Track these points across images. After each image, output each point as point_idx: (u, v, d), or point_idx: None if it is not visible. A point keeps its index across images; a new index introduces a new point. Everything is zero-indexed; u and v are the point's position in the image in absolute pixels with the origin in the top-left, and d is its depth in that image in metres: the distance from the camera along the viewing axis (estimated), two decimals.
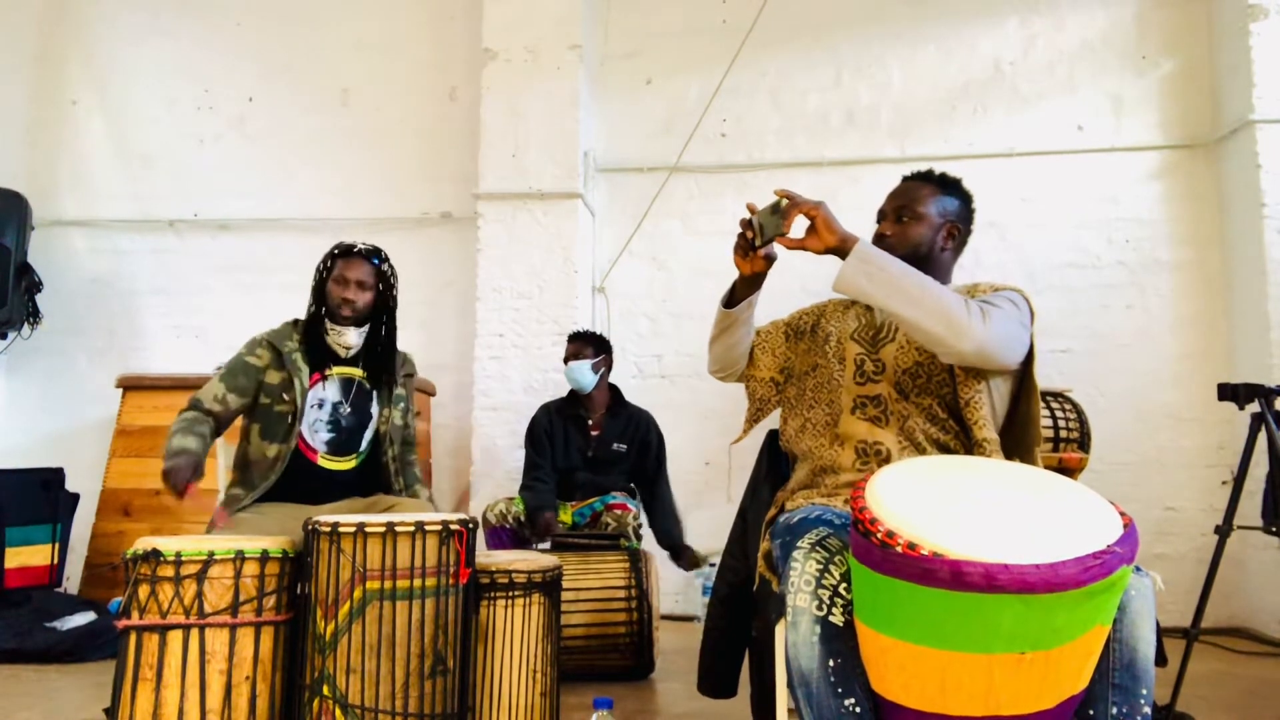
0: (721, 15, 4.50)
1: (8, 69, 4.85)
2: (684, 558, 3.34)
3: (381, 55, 4.72)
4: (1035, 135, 4.25)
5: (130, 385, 4.06)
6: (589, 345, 3.47)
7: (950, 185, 1.78)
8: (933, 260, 1.73)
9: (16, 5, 4.88)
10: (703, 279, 4.30)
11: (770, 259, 1.68)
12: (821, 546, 1.32)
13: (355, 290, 2.39)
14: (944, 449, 1.61)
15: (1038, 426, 1.61)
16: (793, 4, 4.39)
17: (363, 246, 2.46)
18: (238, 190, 4.69)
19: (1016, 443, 1.64)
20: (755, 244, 1.64)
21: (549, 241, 4.20)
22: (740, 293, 1.76)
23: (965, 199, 1.79)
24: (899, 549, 1.07)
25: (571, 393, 3.53)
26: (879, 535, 1.10)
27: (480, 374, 4.19)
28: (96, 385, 4.44)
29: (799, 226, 1.59)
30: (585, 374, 3.42)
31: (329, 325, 2.41)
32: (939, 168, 1.84)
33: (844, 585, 1.26)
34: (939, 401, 1.63)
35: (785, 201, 1.56)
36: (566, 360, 3.47)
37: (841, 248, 1.53)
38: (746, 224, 1.63)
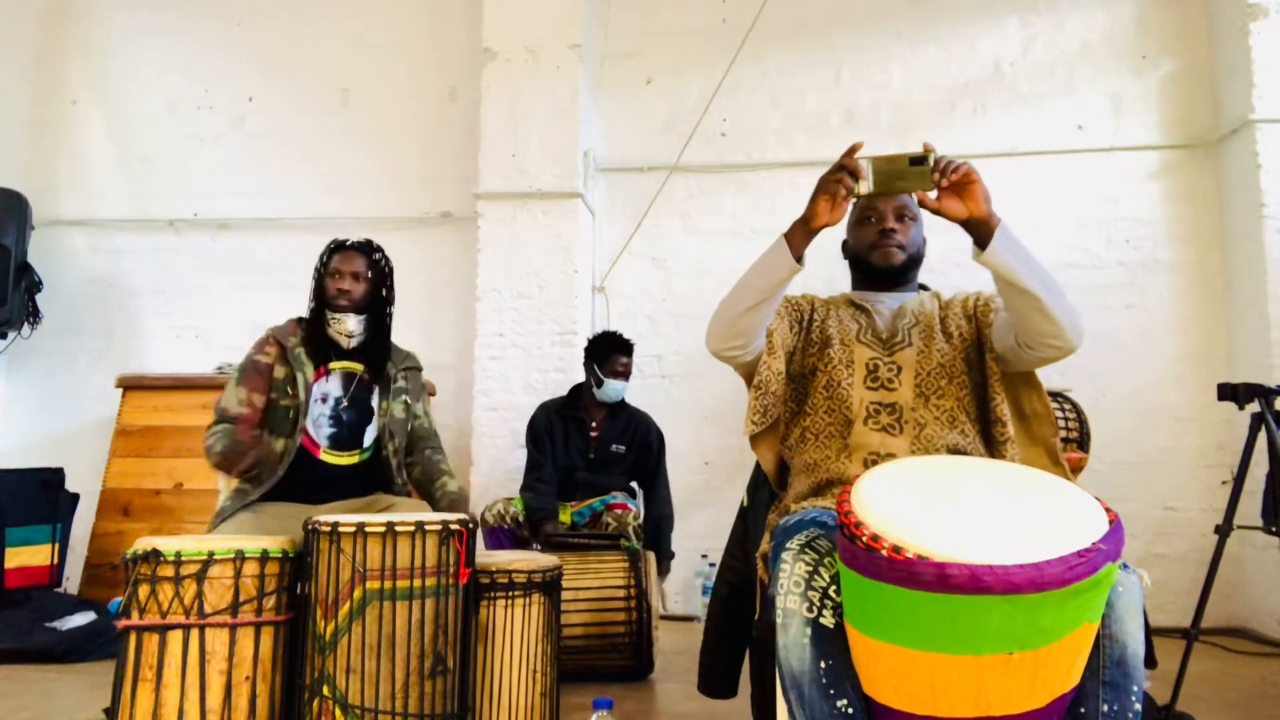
0: (721, 15, 4.50)
1: (8, 69, 4.86)
2: (663, 566, 3.32)
3: (381, 55, 4.72)
4: (1035, 135, 4.25)
5: (130, 385, 4.07)
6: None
7: None
8: (920, 261, 1.79)
9: (17, 5, 4.88)
10: (703, 279, 4.30)
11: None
12: (811, 548, 1.30)
13: (350, 281, 2.45)
14: (959, 455, 1.57)
15: (1051, 422, 1.62)
16: (793, 4, 4.39)
17: (356, 240, 2.54)
18: (238, 190, 4.69)
19: (1032, 439, 1.64)
20: (859, 191, 1.45)
21: (549, 241, 4.20)
22: (799, 246, 1.53)
23: None
24: (884, 553, 1.06)
25: (572, 393, 3.54)
26: (864, 539, 1.09)
27: (480, 374, 4.19)
28: (96, 385, 4.44)
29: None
30: (624, 387, 3.45)
31: (329, 315, 2.45)
32: None
33: (834, 587, 1.25)
34: (958, 403, 1.61)
35: (934, 155, 1.42)
36: (614, 375, 3.40)
37: (989, 221, 1.44)
38: (855, 165, 1.45)
